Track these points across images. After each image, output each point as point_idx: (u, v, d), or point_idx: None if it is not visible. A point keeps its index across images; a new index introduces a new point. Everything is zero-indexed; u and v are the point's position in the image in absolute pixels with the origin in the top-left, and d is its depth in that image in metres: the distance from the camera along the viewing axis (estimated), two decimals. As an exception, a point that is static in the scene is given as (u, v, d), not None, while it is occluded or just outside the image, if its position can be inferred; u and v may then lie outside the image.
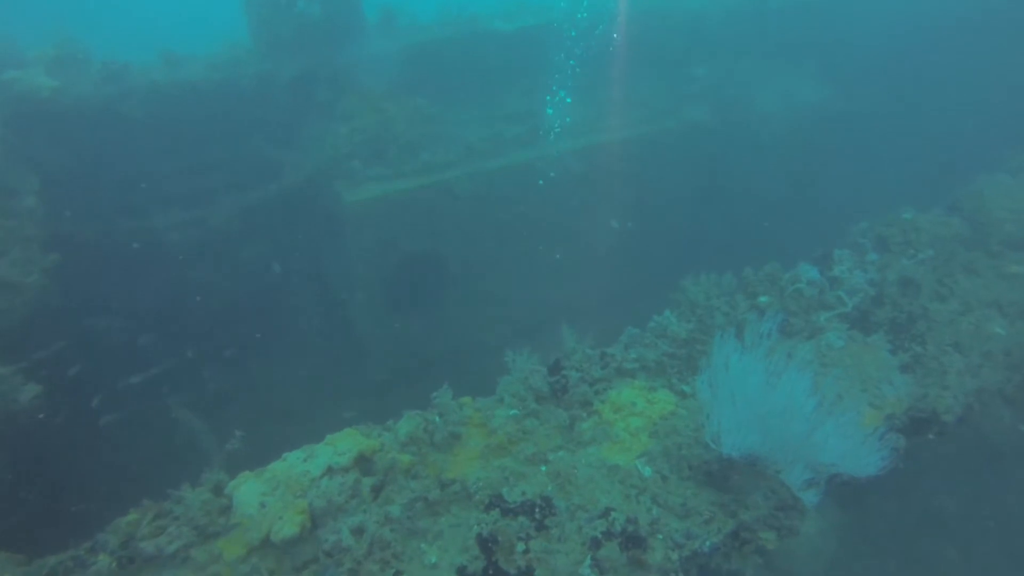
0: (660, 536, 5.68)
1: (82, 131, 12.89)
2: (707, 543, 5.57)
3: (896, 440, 6.20)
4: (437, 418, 6.55)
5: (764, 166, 15.76)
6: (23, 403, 8.65)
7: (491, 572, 5.38)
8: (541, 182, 14.60)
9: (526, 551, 5.54)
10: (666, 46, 17.03)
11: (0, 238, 9.52)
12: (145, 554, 5.52)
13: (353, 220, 14.05)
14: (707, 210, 15.65)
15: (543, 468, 6.37)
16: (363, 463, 6.14)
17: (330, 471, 5.91)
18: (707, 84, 16.45)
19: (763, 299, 7.85)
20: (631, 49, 16.05)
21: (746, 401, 5.53)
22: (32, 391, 8.80)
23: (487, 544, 5.58)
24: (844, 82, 17.09)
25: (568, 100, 15.27)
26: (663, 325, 7.50)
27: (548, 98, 15.42)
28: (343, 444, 6.18)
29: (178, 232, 13.61)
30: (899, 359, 7.27)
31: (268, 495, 5.67)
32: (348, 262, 14.54)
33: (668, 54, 17.14)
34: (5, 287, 9.04)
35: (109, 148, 13.28)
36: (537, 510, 5.93)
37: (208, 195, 14.07)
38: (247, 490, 5.70)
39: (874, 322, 7.70)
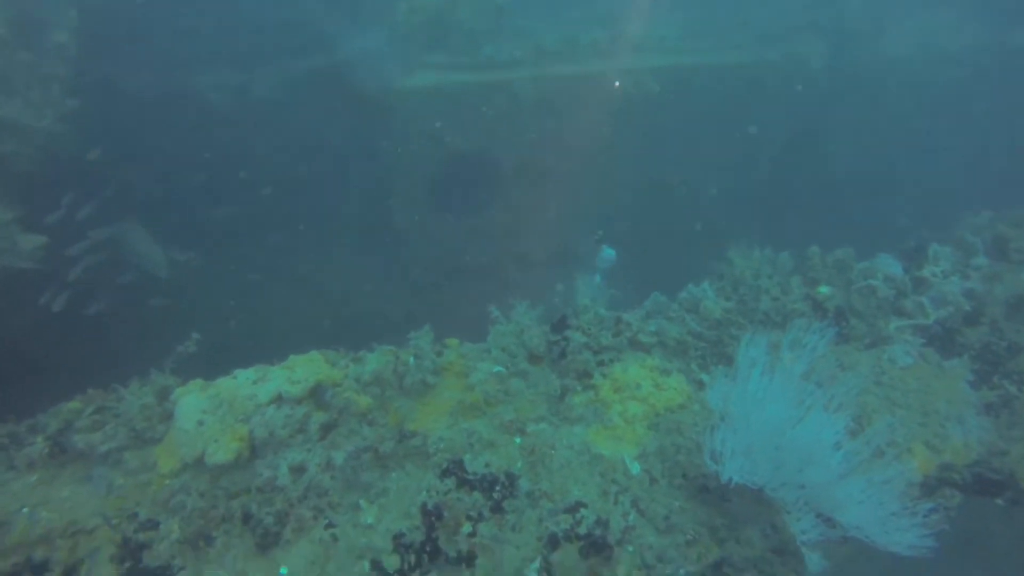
0: (630, 548, 4.89)
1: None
2: (681, 572, 4.75)
3: (949, 498, 5.06)
4: (412, 359, 5.78)
5: (877, 124, 13.39)
6: (24, 252, 8.38)
7: (428, 550, 4.76)
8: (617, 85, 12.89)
9: (472, 534, 4.87)
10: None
11: (17, 74, 8.93)
12: (76, 448, 5.17)
13: (402, 109, 12.93)
14: (795, 167, 13.63)
15: (517, 440, 5.59)
16: (319, 395, 5.52)
17: (279, 399, 5.31)
18: (826, 10, 13.78)
19: (823, 289, 6.51)
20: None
21: (763, 426, 4.47)
22: (35, 241, 8.52)
23: (431, 517, 4.94)
24: (1001, 24, 14.03)
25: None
26: (696, 298, 6.33)
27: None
28: (301, 371, 5.53)
29: (219, 94, 12.82)
30: (982, 396, 5.93)
31: (209, 413, 5.14)
32: (393, 153, 13.57)
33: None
34: (14, 129, 8.55)
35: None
36: (498, 488, 5.21)
37: (254, 59, 13.10)
38: (188, 403, 5.19)
39: (960, 344, 6.28)
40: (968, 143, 13.01)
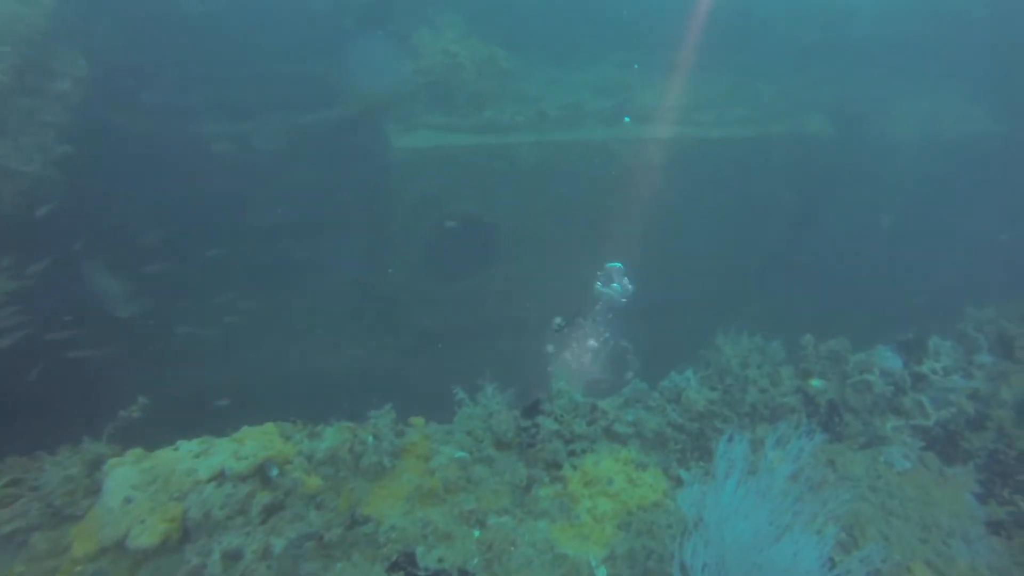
0: (586, 671, 4.38)
1: (143, 22, 12.31)
2: None
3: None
4: (370, 438, 5.42)
5: (879, 205, 13.23)
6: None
7: (361, 660, 4.28)
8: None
9: (415, 641, 4.39)
10: (794, 36, 14.50)
11: (13, 118, 9.03)
12: (-24, 528, 4.79)
13: (400, 168, 12.98)
14: (795, 245, 13.41)
15: (476, 533, 5.15)
16: (266, 473, 5.16)
17: (221, 477, 4.95)
18: (832, 92, 13.87)
19: (816, 382, 6.13)
20: (750, 32, 13.72)
21: (740, 540, 4.03)
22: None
23: (371, 619, 4.48)
24: (1007, 114, 14.00)
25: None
26: (678, 387, 5.96)
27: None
28: (251, 445, 5.19)
29: (219, 144, 12.94)
30: (990, 512, 5.42)
31: (139, 489, 4.78)
32: (389, 213, 13.54)
33: (793, 46, 14.58)
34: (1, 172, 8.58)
35: (168, 46, 12.67)
36: (449, 587, 4.75)
37: (257, 110, 13.29)
38: (119, 477, 4.83)
39: (964, 450, 5.82)
40: (974, 231, 12.76)
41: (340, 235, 14.26)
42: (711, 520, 4.22)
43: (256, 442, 5.23)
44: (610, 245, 13.20)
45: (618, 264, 8.77)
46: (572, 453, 5.60)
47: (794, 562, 3.81)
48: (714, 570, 4.11)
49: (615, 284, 8.45)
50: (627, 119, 13.04)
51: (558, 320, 7.72)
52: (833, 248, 13.16)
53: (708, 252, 13.65)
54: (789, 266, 13.62)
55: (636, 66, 13.95)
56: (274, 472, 5.01)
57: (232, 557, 4.70)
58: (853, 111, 13.63)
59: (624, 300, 8.41)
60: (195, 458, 5.01)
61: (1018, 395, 6.05)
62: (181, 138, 12.43)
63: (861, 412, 6.04)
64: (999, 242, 12.41)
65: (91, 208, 9.93)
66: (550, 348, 8.30)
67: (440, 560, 4.94)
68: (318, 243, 14.14)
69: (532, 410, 5.81)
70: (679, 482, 5.56)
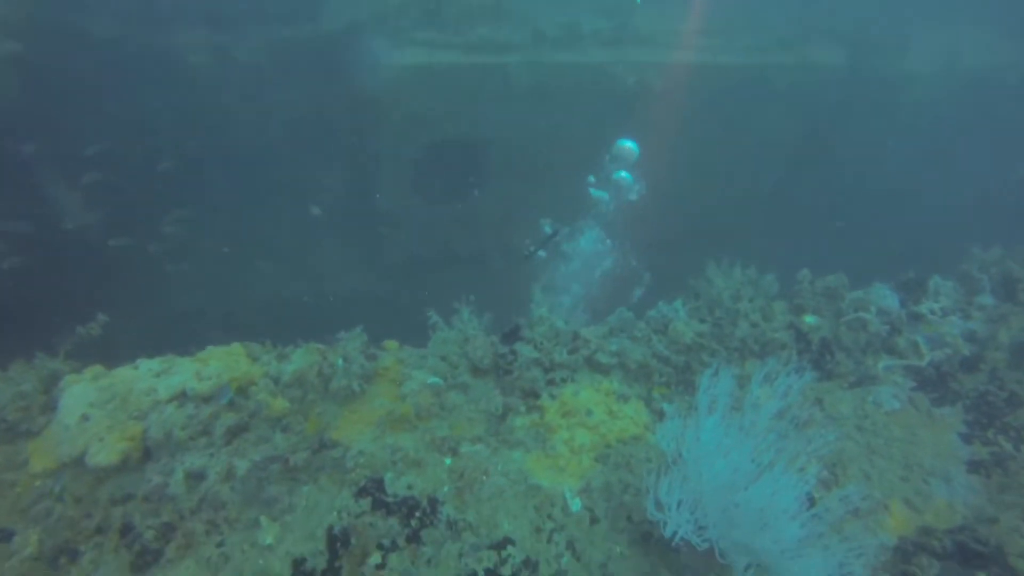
0: (557, 598, 4.32)
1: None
2: (608, 634, 4.17)
3: (926, 568, 4.45)
4: (340, 361, 5.19)
5: (889, 140, 12.64)
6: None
7: (326, 582, 4.20)
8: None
9: (381, 566, 4.31)
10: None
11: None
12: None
13: (388, 86, 12.29)
14: (796, 181, 12.90)
15: (447, 461, 5.01)
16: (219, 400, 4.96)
17: (182, 396, 4.74)
18: (846, 19, 12.97)
19: (810, 319, 5.88)
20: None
21: (718, 478, 3.86)
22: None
23: (336, 543, 4.37)
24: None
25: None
26: (666, 318, 5.70)
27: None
28: (215, 365, 4.96)
29: (196, 55, 12.16)
30: (973, 452, 5.29)
31: (97, 407, 4.57)
32: (378, 132, 12.94)
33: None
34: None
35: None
36: (418, 514, 4.64)
37: (237, 21, 12.43)
38: (75, 394, 4.61)
39: (954, 391, 5.64)
40: (978, 169, 12.28)
41: (324, 157, 13.69)
42: (689, 457, 4.04)
43: (220, 363, 5.00)
44: (605, 175, 12.68)
45: (631, 143, 7.75)
46: (551, 382, 5.40)
47: (772, 501, 3.64)
48: (690, 507, 3.96)
49: (623, 173, 7.55)
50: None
51: (528, 245, 7.26)
52: (838, 184, 12.69)
53: (707, 184, 13.19)
54: (791, 202, 13.19)
55: None
56: (226, 399, 4.77)
57: (196, 477, 4.56)
58: (868, 40, 12.82)
59: (634, 197, 7.60)
60: (155, 377, 4.78)
61: (1016, 337, 5.84)
62: (153, 45, 11.65)
63: (853, 351, 5.83)
64: (1014, 179, 11.97)
65: (43, 111, 9.34)
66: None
67: (409, 487, 4.81)
68: (302, 165, 13.58)
69: (511, 336, 5.57)
70: (661, 415, 5.39)
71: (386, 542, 4.46)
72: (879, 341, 5.86)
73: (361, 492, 4.73)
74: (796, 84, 12.66)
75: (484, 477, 4.93)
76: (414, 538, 4.53)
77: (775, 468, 3.69)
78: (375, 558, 4.34)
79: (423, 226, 13.97)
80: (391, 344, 5.63)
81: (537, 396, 5.34)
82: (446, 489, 4.86)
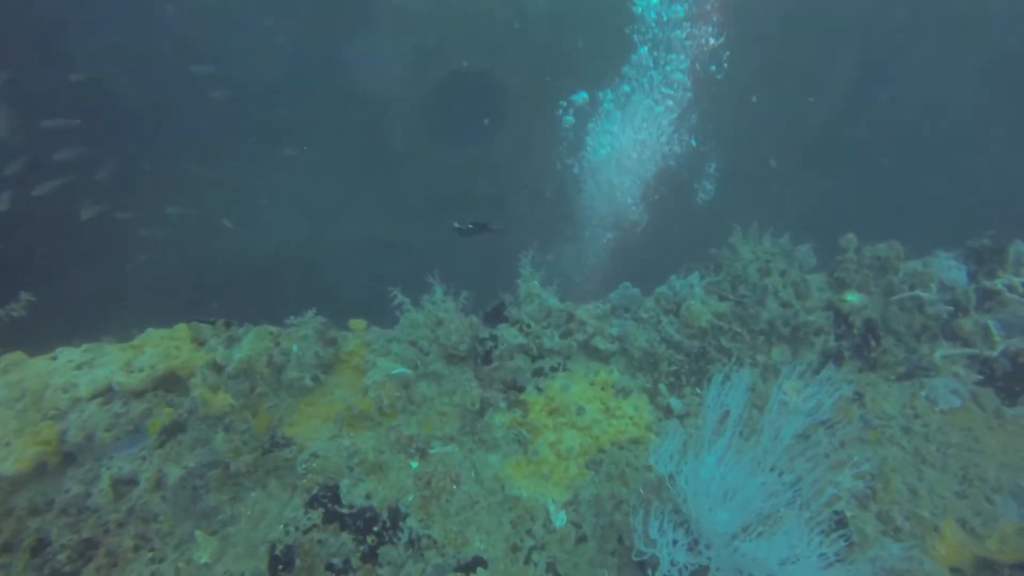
0: (532, 633, 3.71)
1: None
2: None
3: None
4: (295, 347, 4.49)
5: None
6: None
7: (264, 611, 3.65)
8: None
9: (327, 592, 3.73)
10: None
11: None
12: None
13: (396, 16, 11.12)
14: (850, 118, 11.41)
15: (414, 464, 4.35)
16: (171, 385, 4.34)
17: (108, 392, 4.13)
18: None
19: (852, 297, 4.89)
20: None
21: (721, 521, 3.07)
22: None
23: (278, 565, 3.80)
24: None
25: None
26: (679, 296, 4.80)
27: None
28: (150, 353, 4.32)
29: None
30: (1048, 466, 4.37)
31: (4, 405, 4.00)
32: (386, 68, 11.86)
33: None
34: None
35: None
36: (376, 529, 4.03)
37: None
38: (-18, 389, 4.05)
39: (1030, 388, 4.64)
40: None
41: (329, 96, 12.72)
42: (689, 491, 3.23)
43: (157, 349, 4.35)
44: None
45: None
46: (539, 372, 4.62)
47: (785, 555, 2.84)
48: (686, 548, 3.20)
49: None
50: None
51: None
52: (899, 123, 11.16)
53: (746, 122, 11.81)
54: (841, 142, 11.75)
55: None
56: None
57: (126, 483, 4.00)
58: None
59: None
60: (76, 369, 4.18)
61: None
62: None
63: (905, 336, 4.85)
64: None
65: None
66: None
67: (368, 496, 4.19)
68: (304, 103, 12.68)
69: (494, 316, 4.78)
70: (669, 413, 4.58)
71: (337, 562, 3.88)
72: (938, 324, 4.85)
73: (312, 502, 4.13)
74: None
75: (454, 485, 4.26)
76: (370, 557, 3.94)
77: (791, 515, 2.87)
78: (322, 583, 3.77)
79: (437, 168, 13.07)
80: (358, 324, 4.89)
81: (521, 389, 4.58)
82: (411, 498, 4.22)
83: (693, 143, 9.23)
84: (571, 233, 10.16)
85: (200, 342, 4.60)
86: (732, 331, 4.75)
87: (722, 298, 4.82)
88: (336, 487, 4.20)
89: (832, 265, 5.10)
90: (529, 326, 4.63)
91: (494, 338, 4.52)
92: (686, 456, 3.23)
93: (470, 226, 6.22)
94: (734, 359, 4.70)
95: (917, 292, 4.77)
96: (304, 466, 4.22)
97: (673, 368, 4.69)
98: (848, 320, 4.85)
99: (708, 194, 11.03)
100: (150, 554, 3.86)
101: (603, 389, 4.57)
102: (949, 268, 5.01)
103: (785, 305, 4.77)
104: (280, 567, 3.79)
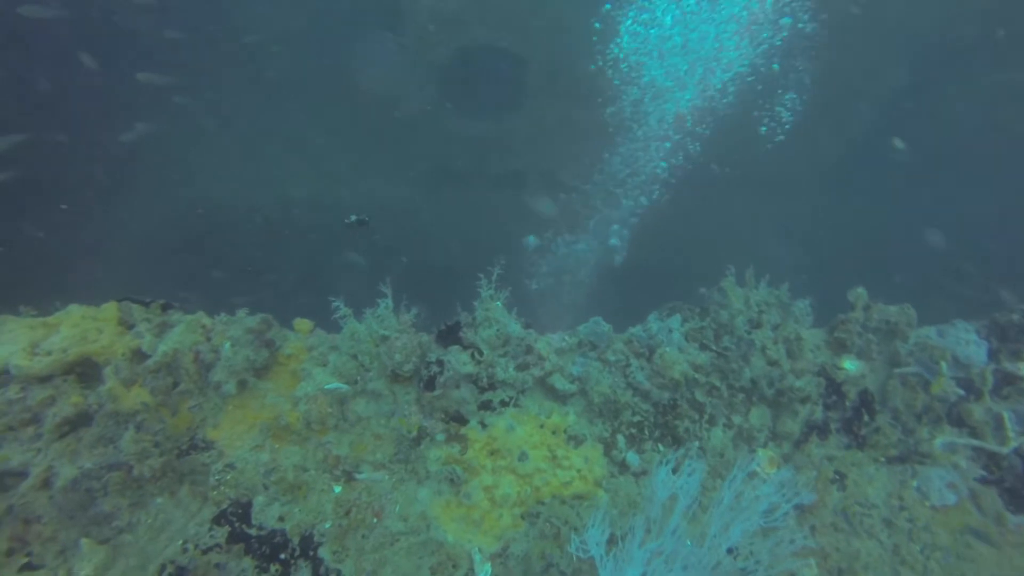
0: None
1: None
2: None
3: None
4: (227, 345, 4.13)
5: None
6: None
7: (140, 639, 3.35)
8: None
9: (213, 626, 3.41)
10: None
11: None
12: None
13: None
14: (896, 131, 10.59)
15: (336, 489, 3.99)
16: (86, 372, 4.02)
17: (4, 375, 3.82)
18: None
19: (849, 364, 4.35)
20: None
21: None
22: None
23: (166, 587, 3.49)
24: None
25: None
26: (654, 339, 4.30)
27: None
28: (65, 333, 4.00)
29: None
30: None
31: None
32: (399, 34, 11.32)
33: None
34: None
35: None
36: (283, 556, 3.69)
37: None
38: None
39: (1041, 496, 4.08)
40: None
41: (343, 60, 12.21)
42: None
43: (74, 330, 4.03)
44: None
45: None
46: (487, 406, 4.20)
47: None
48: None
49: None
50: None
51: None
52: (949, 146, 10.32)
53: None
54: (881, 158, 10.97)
55: None
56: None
57: (14, 475, 3.71)
58: None
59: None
60: (-23, 345, 3.86)
61: None
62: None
63: (904, 415, 4.30)
64: None
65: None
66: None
67: (281, 519, 3.85)
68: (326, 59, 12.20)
69: (447, 336, 4.34)
70: (623, 469, 4.14)
71: (232, 591, 3.55)
72: (944, 407, 4.28)
73: (219, 518, 3.80)
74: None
75: (375, 519, 3.90)
76: (271, 588, 3.61)
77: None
78: (210, 614, 3.45)
79: (450, 139, 12.59)
80: (302, 325, 4.51)
81: (463, 422, 4.16)
82: (327, 526, 3.87)
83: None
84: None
85: (128, 325, 4.26)
86: (710, 384, 4.25)
87: (703, 347, 4.32)
88: (249, 504, 3.87)
89: (834, 323, 4.54)
90: (483, 353, 4.19)
91: (440, 363, 4.09)
92: (610, 553, 2.79)
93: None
94: (706, 417, 4.22)
95: (919, 371, 4.21)
96: (217, 477, 3.89)
97: (637, 419, 4.23)
98: (841, 389, 4.31)
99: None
100: (25, 559, 3.58)
101: (554, 433, 4.13)
102: (967, 342, 4.42)
103: (773, 364, 4.25)
104: (169, 591, 3.47)
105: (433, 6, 10.05)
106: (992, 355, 4.45)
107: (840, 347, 4.45)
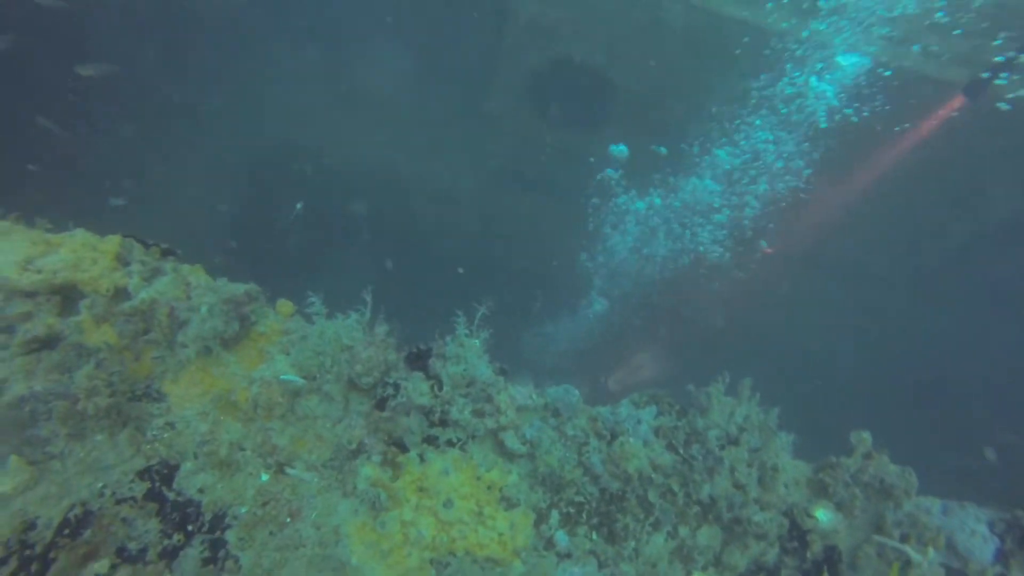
0: None
1: None
2: None
3: None
4: (204, 309, 4.17)
5: None
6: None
7: None
8: None
9: (103, 577, 3.49)
10: None
11: None
12: None
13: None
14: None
15: (264, 477, 3.98)
16: (70, 297, 4.15)
17: (-2, 281, 3.98)
18: None
19: (822, 515, 3.94)
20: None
21: None
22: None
23: (66, 527, 3.58)
24: None
25: None
26: (619, 424, 4.04)
27: None
28: (63, 255, 4.13)
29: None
30: None
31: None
32: (495, 39, 11.21)
33: None
34: None
35: None
36: (190, 528, 3.74)
37: None
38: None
39: None
40: None
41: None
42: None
43: (71, 255, 4.16)
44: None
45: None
46: (432, 440, 4.06)
47: None
48: None
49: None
50: None
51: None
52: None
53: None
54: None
55: None
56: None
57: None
58: None
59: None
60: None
61: None
62: None
63: (869, 584, 3.86)
64: None
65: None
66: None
67: (201, 491, 3.88)
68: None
69: (416, 360, 4.23)
70: (549, 546, 3.92)
71: (131, 548, 3.62)
72: (917, 591, 3.82)
73: (144, 473, 3.87)
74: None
75: (288, 520, 3.86)
76: (167, 556, 3.65)
77: None
78: (101, 565, 3.52)
79: (530, 144, 12.49)
80: (284, 307, 4.49)
81: (405, 450, 4.05)
82: (243, 511, 3.88)
83: None
84: None
85: (124, 262, 4.37)
86: (667, 486, 3.96)
87: (670, 447, 4.02)
88: (176, 468, 3.91)
89: (822, 463, 4.12)
90: (442, 389, 4.05)
91: (396, 386, 3.99)
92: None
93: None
94: (652, 519, 3.95)
95: (910, 547, 3.75)
96: (154, 433, 3.95)
97: (579, 499, 4.00)
98: (806, 538, 3.91)
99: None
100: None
101: (488, 489, 3.96)
102: (972, 532, 3.92)
103: (739, 487, 3.91)
104: (66, 531, 3.56)
105: (534, 14, 9.84)
106: (1001, 557, 3.92)
107: (820, 490, 4.03)
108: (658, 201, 11.49)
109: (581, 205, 11.89)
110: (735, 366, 4.21)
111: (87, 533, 3.56)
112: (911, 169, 11.13)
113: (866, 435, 4.17)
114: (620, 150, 9.01)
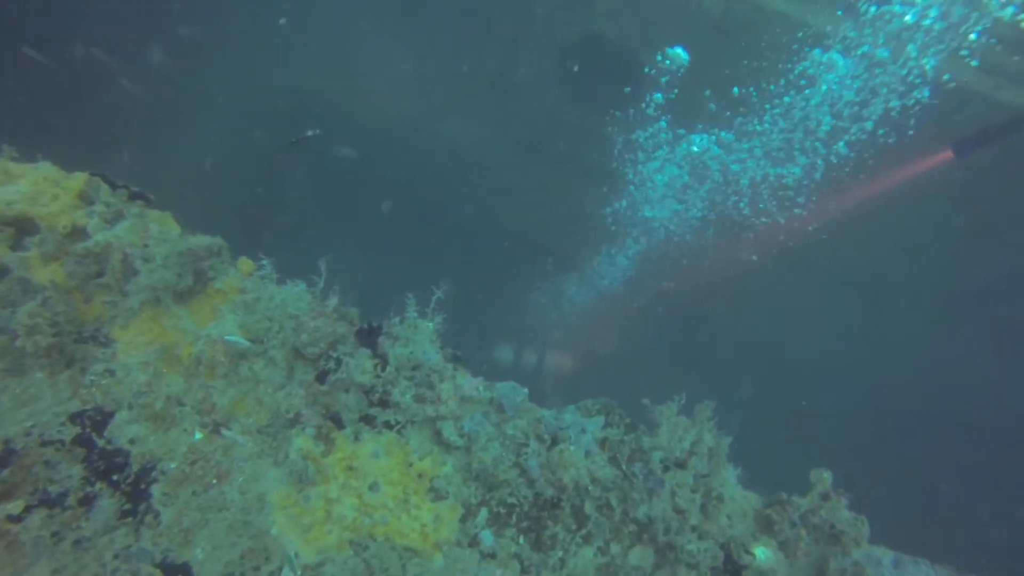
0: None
1: None
2: None
3: None
4: (159, 259, 4.08)
5: None
6: None
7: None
8: None
9: (16, 519, 3.51)
10: None
11: None
12: None
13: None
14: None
15: (198, 435, 3.93)
16: (28, 228, 4.09)
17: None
18: None
19: (762, 553, 3.75)
20: None
21: None
22: None
23: (-3, 459, 3.58)
24: None
25: None
26: (563, 431, 3.88)
27: None
28: (19, 188, 4.08)
29: None
30: None
31: None
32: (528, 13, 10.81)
33: None
34: None
35: None
36: (116, 478, 3.72)
37: None
38: None
39: None
40: None
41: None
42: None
43: (30, 188, 4.10)
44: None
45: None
46: (370, 420, 3.96)
47: None
48: None
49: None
50: None
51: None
52: None
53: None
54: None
55: None
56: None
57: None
58: None
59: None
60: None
61: None
62: None
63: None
64: None
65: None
66: None
67: (131, 441, 3.85)
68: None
69: (366, 336, 4.11)
70: (474, 543, 3.82)
71: (51, 491, 3.61)
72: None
73: (76, 417, 3.85)
74: None
75: (215, 480, 3.82)
76: (86, 503, 3.64)
77: None
78: (16, 505, 3.52)
79: (554, 117, 12.19)
80: (244, 266, 4.39)
81: (341, 426, 3.95)
82: (172, 466, 3.84)
83: None
84: None
85: (88, 201, 4.29)
86: (602, 501, 3.81)
87: (612, 462, 3.85)
88: (111, 416, 3.88)
89: (773, 499, 3.91)
90: (386, 369, 3.92)
91: (338, 361, 3.87)
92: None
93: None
94: (584, 531, 3.81)
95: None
96: (92, 378, 3.92)
97: (511, 500, 3.87)
98: (740, 574, 3.73)
99: None
100: None
101: (419, 477, 3.86)
102: (919, 587, 3.70)
103: (679, 512, 3.73)
104: (-9, 460, 3.56)
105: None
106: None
107: (765, 526, 3.84)
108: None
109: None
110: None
111: (5, 472, 3.55)
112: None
113: (827, 474, 3.94)
114: (677, 53, 8.53)
